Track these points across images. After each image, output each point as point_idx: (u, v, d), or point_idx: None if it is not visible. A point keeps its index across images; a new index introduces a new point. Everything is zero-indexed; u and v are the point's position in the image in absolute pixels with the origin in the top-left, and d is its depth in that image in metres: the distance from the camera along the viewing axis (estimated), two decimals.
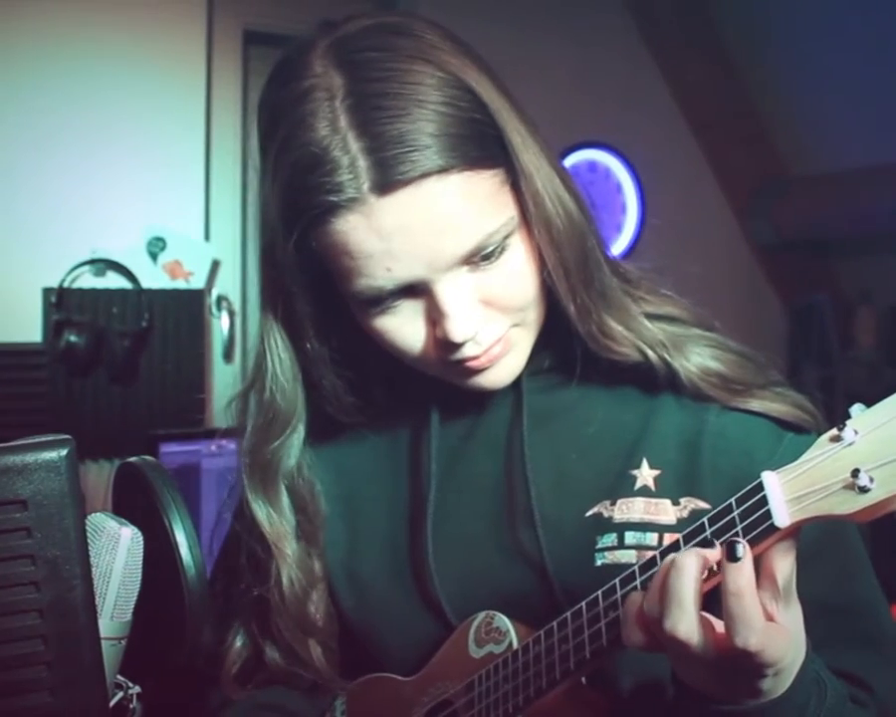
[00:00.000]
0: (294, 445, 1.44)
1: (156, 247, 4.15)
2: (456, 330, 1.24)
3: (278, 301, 1.36)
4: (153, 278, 4.15)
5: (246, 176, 4.39)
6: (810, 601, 1.09)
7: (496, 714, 1.27)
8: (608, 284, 1.33)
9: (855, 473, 0.94)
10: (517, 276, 1.27)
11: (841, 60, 4.77)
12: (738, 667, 1.02)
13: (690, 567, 1.05)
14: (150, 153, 4.16)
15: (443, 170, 1.18)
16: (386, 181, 1.18)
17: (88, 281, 4.08)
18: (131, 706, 1.13)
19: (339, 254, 1.24)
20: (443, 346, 1.28)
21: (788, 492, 1.01)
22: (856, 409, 0.99)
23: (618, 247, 5.00)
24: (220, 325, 4.32)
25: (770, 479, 1.03)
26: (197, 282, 4.24)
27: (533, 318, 1.32)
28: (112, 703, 1.10)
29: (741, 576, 1.01)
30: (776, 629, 1.02)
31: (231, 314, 4.32)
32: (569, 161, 4.95)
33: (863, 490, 0.94)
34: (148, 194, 4.16)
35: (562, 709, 1.25)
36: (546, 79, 4.70)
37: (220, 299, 4.31)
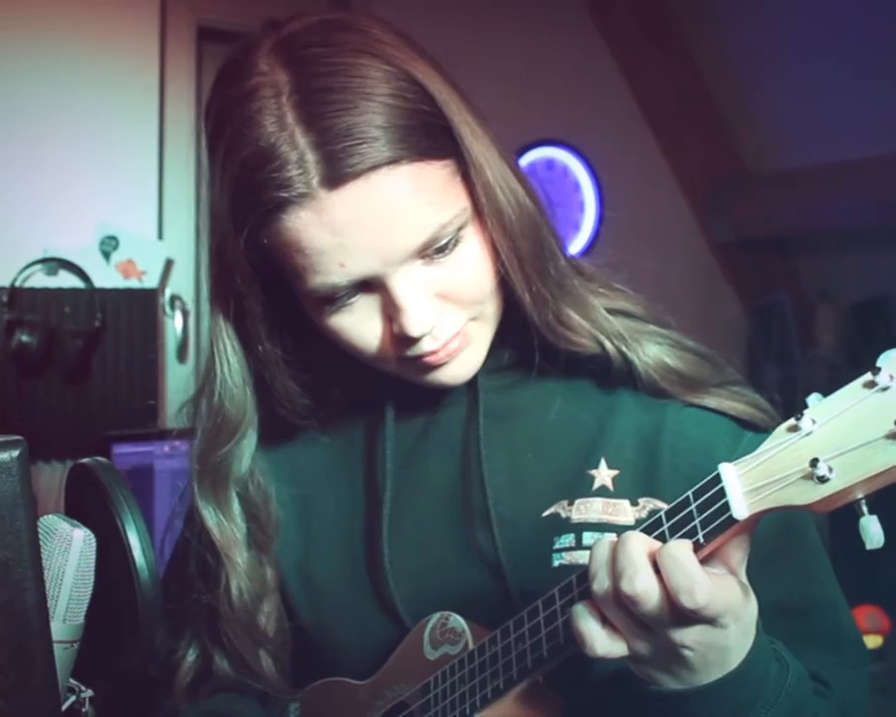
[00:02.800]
0: (244, 451, 1.42)
1: (109, 246, 4.12)
2: (412, 324, 1.23)
3: (228, 302, 1.34)
4: (106, 277, 4.12)
5: (200, 175, 4.37)
6: (771, 602, 1.09)
7: (453, 715, 1.26)
8: (564, 273, 1.32)
9: (814, 463, 0.94)
10: (472, 268, 1.26)
11: (800, 58, 4.81)
12: (694, 620, 1.01)
13: (635, 535, 1.05)
14: (103, 152, 4.13)
15: (393, 162, 1.18)
16: (336, 175, 1.17)
17: (40, 280, 4.05)
18: (84, 710, 1.12)
19: (292, 252, 1.23)
20: (400, 341, 1.27)
21: (746, 483, 1.00)
22: (813, 399, 0.98)
23: (576, 245, 5.01)
24: (173, 324, 4.29)
25: (727, 471, 1.02)
26: (150, 281, 4.22)
27: (490, 311, 1.31)
28: (64, 707, 1.09)
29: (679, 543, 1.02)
30: (729, 582, 1.02)
31: (184, 313, 4.30)
32: (526, 159, 4.95)
33: (822, 480, 0.94)
34: (101, 193, 4.13)
35: (520, 709, 1.24)
36: (500, 76, 4.70)
37: (173, 298, 4.29)
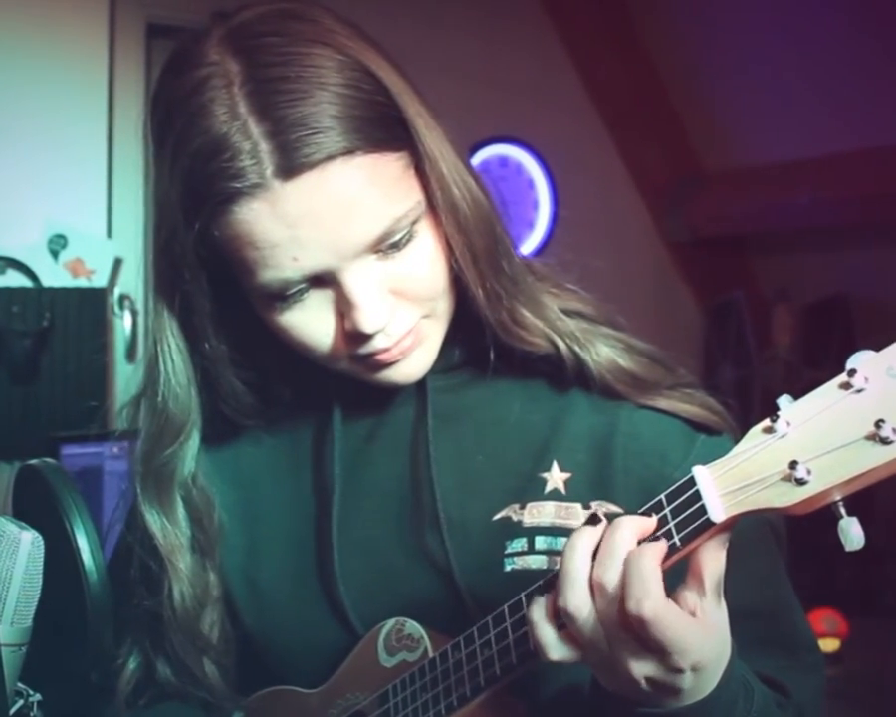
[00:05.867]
0: (188, 452, 1.40)
1: (57, 245, 4.09)
2: (366, 320, 1.22)
3: (174, 298, 1.32)
4: (54, 276, 4.08)
5: (149, 173, 4.33)
6: (728, 606, 1.07)
7: None
8: (518, 271, 1.32)
9: (793, 465, 0.94)
10: (426, 264, 1.25)
11: (756, 55, 4.84)
12: (641, 643, 1.00)
13: (576, 540, 1.06)
14: (51, 150, 4.09)
15: (348, 152, 1.16)
16: (290, 165, 1.15)
17: None
18: (32, 714, 1.13)
19: (244, 245, 1.21)
20: (353, 338, 1.25)
21: (722, 486, 1.00)
22: (784, 401, 0.99)
23: (530, 244, 5.01)
24: (123, 324, 4.26)
25: (701, 474, 1.01)
26: (99, 280, 4.18)
27: (443, 308, 1.30)
28: (12, 711, 1.09)
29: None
30: (695, 624, 1.01)
31: (134, 313, 4.26)
32: (480, 157, 4.95)
33: (801, 482, 0.94)
34: (49, 191, 4.09)
35: (483, 716, 1.22)
36: (454, 72, 4.70)
37: (122, 297, 4.25)
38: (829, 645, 3.83)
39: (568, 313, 1.35)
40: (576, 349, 1.32)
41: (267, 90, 1.17)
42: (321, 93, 1.16)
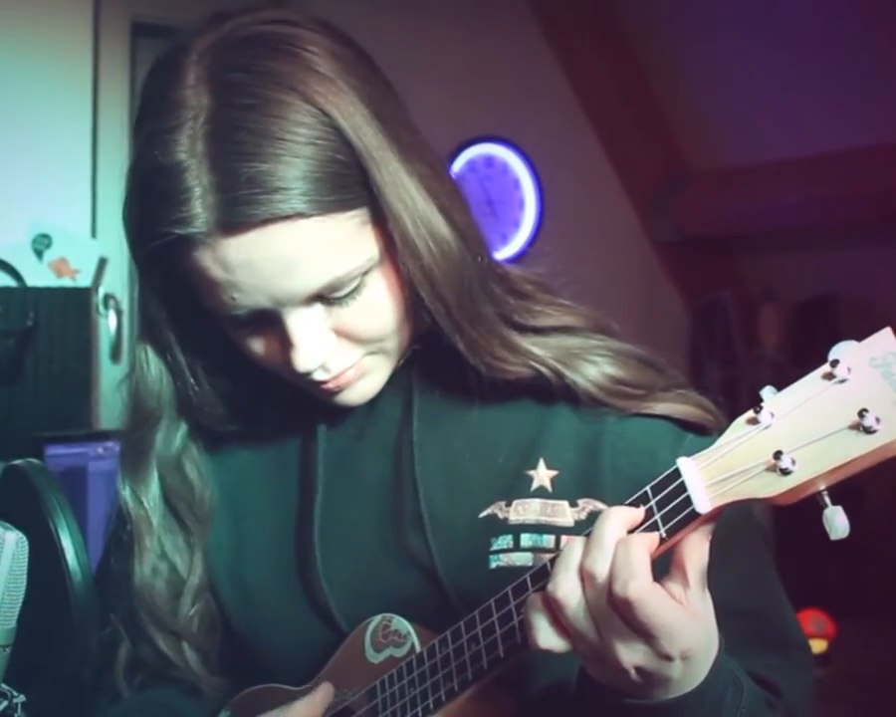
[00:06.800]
0: (174, 433, 1.43)
1: (42, 244, 4.07)
2: (300, 360, 1.24)
3: (144, 303, 1.35)
4: (39, 276, 4.06)
5: None
6: (718, 605, 1.08)
7: None
8: (496, 317, 1.31)
9: (777, 455, 0.95)
10: (374, 310, 1.26)
11: (743, 55, 4.84)
12: (629, 627, 1.00)
13: (574, 541, 1.06)
14: (36, 149, 4.07)
15: (293, 216, 1.16)
16: (232, 221, 1.16)
17: None
18: (16, 715, 1.12)
19: (189, 273, 1.23)
20: (292, 369, 1.26)
21: (707, 477, 1.00)
22: (767, 392, 1.00)
23: (516, 244, 4.99)
24: (107, 324, 4.24)
25: (686, 465, 1.02)
26: (84, 280, 4.16)
27: (392, 346, 1.31)
28: None
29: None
30: (681, 609, 1.01)
31: (118, 313, 4.25)
32: (466, 156, 4.92)
33: (785, 472, 0.94)
34: (34, 190, 4.07)
35: (471, 711, 1.23)
36: (440, 72, 4.70)
37: (107, 297, 4.23)
38: (817, 646, 3.84)
39: (558, 329, 1.35)
40: (562, 371, 1.32)
41: (225, 137, 1.17)
42: (276, 151, 1.16)
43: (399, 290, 1.26)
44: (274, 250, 1.17)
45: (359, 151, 1.20)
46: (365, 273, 1.23)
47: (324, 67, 1.21)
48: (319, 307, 1.24)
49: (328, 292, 1.22)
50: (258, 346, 1.29)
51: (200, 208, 1.16)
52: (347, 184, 1.20)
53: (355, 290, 1.23)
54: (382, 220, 1.23)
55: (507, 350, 1.31)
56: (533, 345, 1.32)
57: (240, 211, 1.15)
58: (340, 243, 1.20)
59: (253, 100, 1.17)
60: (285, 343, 1.25)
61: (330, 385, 1.29)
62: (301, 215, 1.16)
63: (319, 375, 1.27)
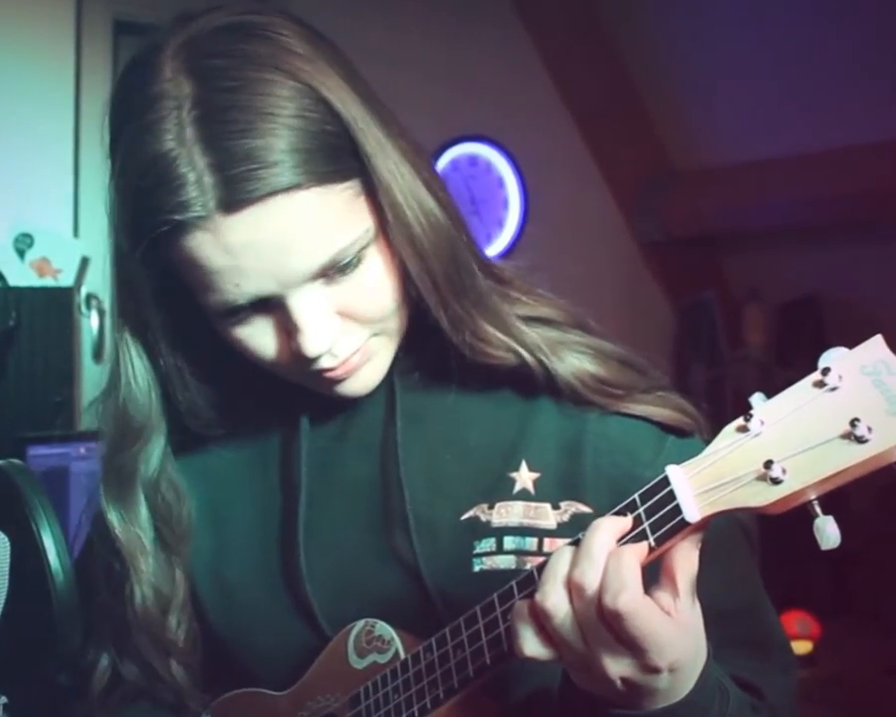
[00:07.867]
0: (152, 453, 1.40)
1: (23, 244, 4.05)
2: (309, 344, 1.23)
3: (130, 309, 1.34)
4: (20, 276, 4.04)
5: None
6: (701, 607, 1.07)
7: None
8: (482, 291, 1.31)
9: (768, 464, 0.94)
10: (375, 287, 1.26)
11: (728, 55, 4.84)
12: (618, 639, 1.00)
13: (561, 550, 1.05)
14: (17, 148, 4.05)
15: (292, 188, 1.16)
16: (233, 199, 1.15)
17: None
18: None
19: (188, 267, 1.22)
20: (299, 357, 1.25)
21: (696, 486, 0.99)
22: (757, 399, 0.98)
23: (500, 243, 4.98)
24: (90, 324, 4.23)
25: (675, 473, 1.01)
26: (66, 280, 4.14)
27: (394, 327, 1.31)
28: None
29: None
30: (671, 621, 1.01)
31: (101, 312, 4.23)
32: (449, 156, 4.92)
33: (776, 481, 0.93)
34: (15, 190, 4.05)
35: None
36: (423, 71, 4.69)
37: (89, 297, 4.22)
38: (801, 647, 3.85)
39: (536, 320, 1.35)
40: (543, 360, 1.32)
41: (214, 119, 1.16)
42: (268, 125, 1.16)
43: (397, 266, 1.26)
44: (275, 227, 1.17)
45: (347, 122, 1.20)
46: (364, 248, 1.23)
47: (301, 48, 1.22)
48: (322, 287, 1.23)
49: (330, 267, 1.22)
50: (258, 341, 1.27)
51: (197, 191, 1.16)
52: (339, 156, 1.20)
53: (356, 265, 1.23)
54: (374, 192, 1.23)
55: (491, 325, 1.30)
56: (518, 321, 1.33)
57: (240, 188, 1.15)
58: (338, 215, 1.20)
59: (237, 82, 1.17)
60: (290, 331, 1.24)
61: (338, 372, 1.28)
62: (299, 186, 1.16)
63: (326, 361, 1.26)
